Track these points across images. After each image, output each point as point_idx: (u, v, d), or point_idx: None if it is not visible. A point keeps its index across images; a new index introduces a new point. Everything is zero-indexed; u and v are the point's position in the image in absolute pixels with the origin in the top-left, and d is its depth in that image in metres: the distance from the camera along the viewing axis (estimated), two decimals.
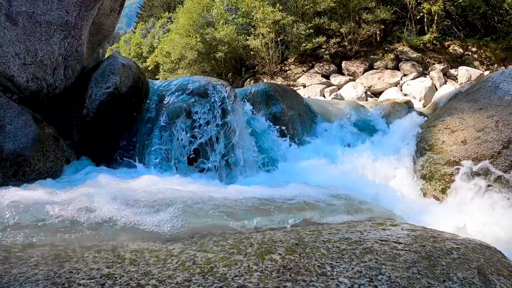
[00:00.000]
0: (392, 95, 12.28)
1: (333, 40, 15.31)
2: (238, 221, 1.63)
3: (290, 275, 1.05)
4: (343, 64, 15.34)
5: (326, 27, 15.39)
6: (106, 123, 3.13)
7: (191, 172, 3.00)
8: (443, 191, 3.16)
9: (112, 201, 1.74)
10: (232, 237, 1.39)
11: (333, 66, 15.53)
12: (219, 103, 3.23)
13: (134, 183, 2.30)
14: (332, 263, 1.13)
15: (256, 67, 17.44)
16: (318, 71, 15.55)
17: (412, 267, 1.12)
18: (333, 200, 2.16)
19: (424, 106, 9.32)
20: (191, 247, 1.28)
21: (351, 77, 14.73)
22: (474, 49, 14.69)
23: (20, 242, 1.32)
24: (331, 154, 3.73)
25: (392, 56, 14.62)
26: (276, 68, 16.91)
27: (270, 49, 16.40)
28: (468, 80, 12.21)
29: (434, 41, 14.47)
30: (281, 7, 15.82)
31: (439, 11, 14.13)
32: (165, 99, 3.35)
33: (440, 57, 14.30)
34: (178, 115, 3.14)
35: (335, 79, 14.77)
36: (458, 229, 2.13)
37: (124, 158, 3.16)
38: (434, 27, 14.60)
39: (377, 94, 13.64)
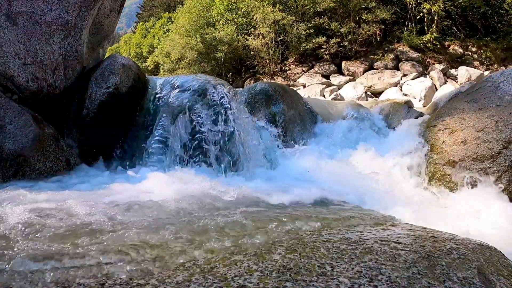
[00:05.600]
0: (392, 95, 12.28)
1: (333, 40, 15.31)
2: None
3: (290, 275, 1.05)
4: (343, 64, 15.34)
5: (326, 27, 15.40)
6: (106, 122, 3.12)
7: (192, 170, 2.99)
8: (443, 191, 3.16)
9: None
10: (232, 236, 1.39)
11: (333, 66, 15.53)
12: (219, 102, 3.23)
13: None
14: (332, 263, 1.13)
15: (256, 67, 17.44)
16: (318, 71, 15.55)
17: (412, 267, 1.12)
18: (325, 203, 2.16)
19: (424, 106, 9.32)
20: (191, 245, 1.28)
21: (351, 77, 14.73)
22: (474, 49, 14.69)
23: None
24: (330, 154, 3.72)
25: (392, 56, 14.61)
26: (276, 68, 16.91)
27: (270, 49, 16.40)
28: (468, 80, 12.21)
29: (434, 41, 14.47)
30: (281, 7, 15.82)
31: (439, 11, 14.13)
32: (165, 98, 3.34)
33: (440, 57, 14.30)
34: (178, 114, 3.14)
35: (335, 79, 14.77)
36: (458, 229, 2.12)
37: (125, 157, 3.16)
38: (434, 27, 14.60)
39: (377, 94, 13.64)
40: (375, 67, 14.68)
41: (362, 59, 15.25)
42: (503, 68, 13.53)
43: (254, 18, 16.08)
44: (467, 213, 2.71)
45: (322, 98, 12.66)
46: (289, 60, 17.02)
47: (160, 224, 1.55)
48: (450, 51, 14.68)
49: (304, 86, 14.79)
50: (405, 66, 14.01)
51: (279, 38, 16.58)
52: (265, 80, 16.36)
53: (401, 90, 13.06)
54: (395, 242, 1.31)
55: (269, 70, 16.79)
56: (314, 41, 15.34)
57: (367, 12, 14.93)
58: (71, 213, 1.66)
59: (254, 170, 3.27)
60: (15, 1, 2.80)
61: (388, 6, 15.08)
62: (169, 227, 1.47)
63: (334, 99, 11.99)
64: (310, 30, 15.53)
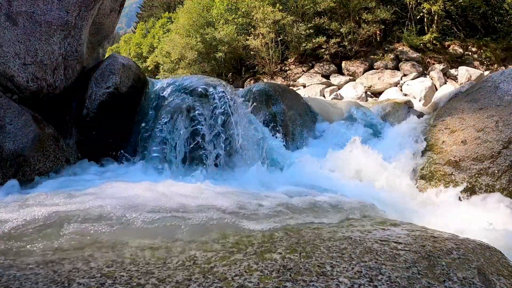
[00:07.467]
0: (392, 95, 12.28)
1: (333, 40, 15.32)
2: None
3: (290, 275, 1.05)
4: (343, 64, 15.34)
5: (326, 27, 15.41)
6: (106, 123, 3.12)
7: (192, 171, 2.99)
8: (443, 190, 3.16)
9: None
10: (232, 235, 1.39)
11: (333, 66, 15.53)
12: (220, 103, 3.23)
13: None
14: (332, 263, 1.13)
15: (256, 67, 17.45)
16: (318, 71, 15.55)
17: (412, 267, 1.12)
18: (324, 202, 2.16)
19: (424, 106, 9.31)
20: (190, 245, 1.28)
21: (351, 77, 14.74)
22: (474, 49, 14.69)
23: None
24: (329, 154, 3.72)
25: (392, 56, 14.62)
26: (276, 68, 16.92)
27: (270, 49, 16.40)
28: (468, 80, 12.22)
29: (434, 41, 14.48)
30: (281, 7, 15.83)
31: (439, 11, 14.13)
32: (165, 99, 3.34)
33: (440, 57, 14.30)
34: (178, 115, 3.14)
35: (335, 79, 14.77)
36: (457, 228, 2.12)
37: (125, 157, 3.16)
38: (434, 27, 14.61)
39: (377, 94, 13.64)
40: (375, 67, 14.68)
41: (362, 59, 15.26)
42: (503, 68, 13.53)
43: (254, 18, 16.09)
44: (466, 213, 2.71)
45: (322, 98, 12.66)
46: (289, 60, 17.02)
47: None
48: (450, 51, 14.69)
49: (304, 86, 14.80)
50: (405, 66, 14.01)
51: (279, 38, 16.59)
52: (265, 80, 16.36)
53: (401, 90, 13.06)
54: (395, 242, 1.31)
55: (269, 70, 16.80)
56: (314, 41, 15.35)
57: (367, 12, 14.94)
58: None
59: (254, 171, 3.27)
60: (15, 1, 2.80)
61: (388, 6, 15.09)
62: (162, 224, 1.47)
63: (334, 99, 11.99)
64: (310, 30, 15.54)
